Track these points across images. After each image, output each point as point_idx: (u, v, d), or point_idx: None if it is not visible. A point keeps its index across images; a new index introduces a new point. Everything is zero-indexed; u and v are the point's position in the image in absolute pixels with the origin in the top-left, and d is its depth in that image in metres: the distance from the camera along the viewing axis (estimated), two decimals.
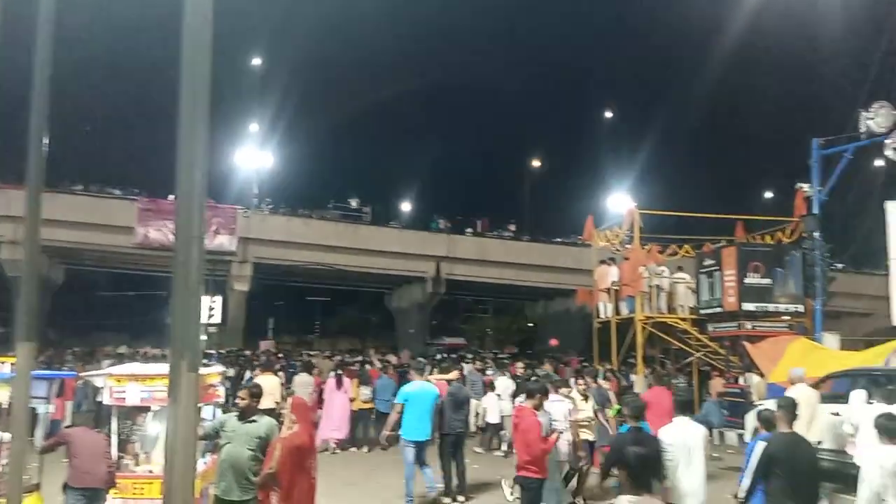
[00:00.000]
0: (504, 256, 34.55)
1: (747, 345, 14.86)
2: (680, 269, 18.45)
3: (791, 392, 9.57)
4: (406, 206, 42.41)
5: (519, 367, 17.63)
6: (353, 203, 34.82)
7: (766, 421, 6.24)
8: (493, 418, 13.87)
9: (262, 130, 36.20)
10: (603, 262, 19.60)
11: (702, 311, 17.05)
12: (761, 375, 14.26)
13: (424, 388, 9.46)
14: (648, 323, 17.37)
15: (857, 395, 9.60)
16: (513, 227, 37.84)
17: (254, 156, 33.72)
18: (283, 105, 37.70)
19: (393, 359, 20.66)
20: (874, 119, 14.23)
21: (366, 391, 14.22)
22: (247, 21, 33.70)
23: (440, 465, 9.68)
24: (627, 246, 18.70)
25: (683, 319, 17.51)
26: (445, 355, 22.75)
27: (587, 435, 9.53)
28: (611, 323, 18.44)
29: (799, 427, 6.56)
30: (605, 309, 19.00)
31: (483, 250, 34.62)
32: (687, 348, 17.65)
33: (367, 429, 14.12)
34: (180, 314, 2.52)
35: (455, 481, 9.59)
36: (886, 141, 14.32)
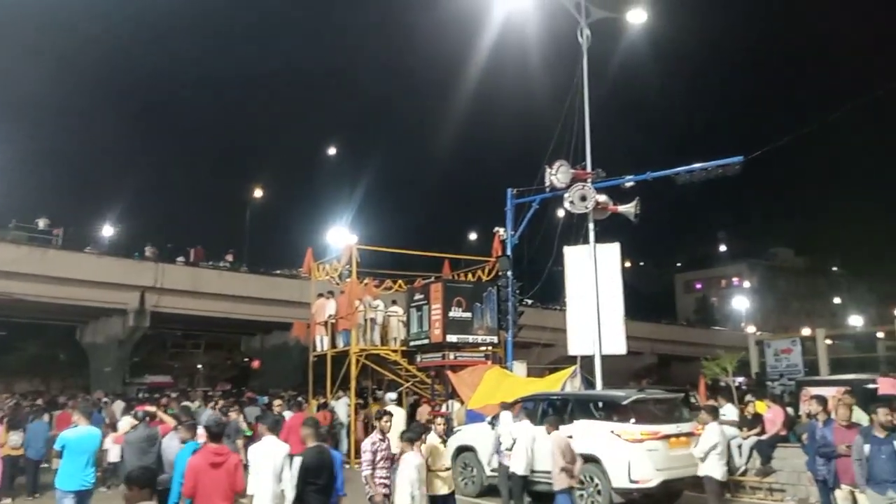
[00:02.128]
0: (219, 288, 32.87)
1: (450, 374, 15.94)
2: (394, 302, 19.24)
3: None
4: (108, 231, 38.29)
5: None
6: (41, 224, 30.33)
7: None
8: None
9: None
10: (321, 295, 19.68)
11: (411, 343, 17.91)
12: (462, 402, 15.39)
13: (89, 433, 8.51)
14: (363, 355, 17.75)
15: (506, 416, 11.20)
16: (230, 257, 36.28)
17: None
18: None
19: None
20: (556, 175, 16.27)
21: (15, 437, 12.51)
22: None
23: None
24: (346, 280, 19.02)
25: (395, 351, 18.22)
26: (147, 395, 20.83)
27: None
28: (327, 356, 18.50)
29: None
30: (322, 342, 19.03)
31: (196, 281, 32.56)
32: (398, 378, 18.36)
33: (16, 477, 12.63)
34: None
35: None
36: (565, 195, 16.39)
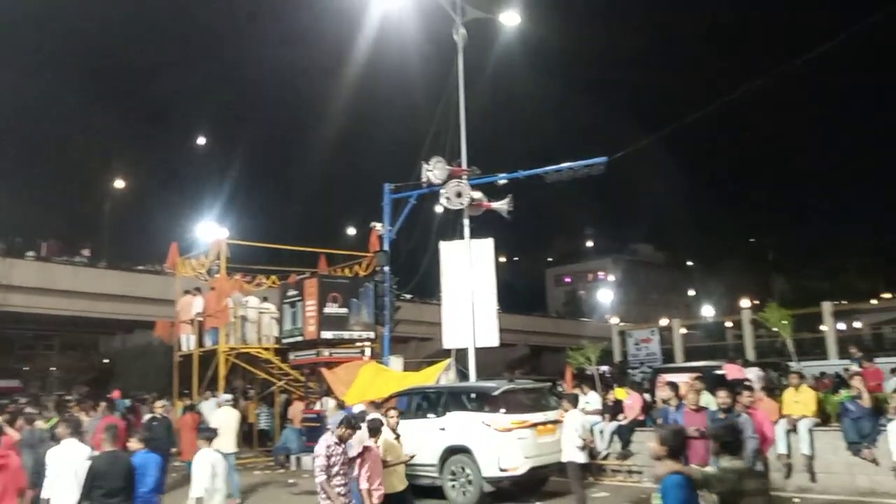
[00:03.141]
0: (74, 284, 30.59)
1: (325, 371, 15.73)
2: (265, 299, 18.71)
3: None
4: None
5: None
6: None
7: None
8: None
9: None
10: (188, 292, 18.81)
11: (284, 341, 17.51)
12: (337, 400, 15.22)
13: None
14: (232, 354, 17.14)
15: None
16: (87, 252, 33.87)
17: None
18: None
19: None
20: (432, 171, 16.44)
21: None
22: None
23: None
24: (215, 276, 18.29)
25: (266, 349, 17.74)
26: None
27: None
28: (193, 356, 17.70)
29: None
30: (188, 341, 18.20)
31: (49, 278, 30.10)
32: (270, 377, 17.89)
33: None
34: None
35: None
36: (441, 191, 16.59)
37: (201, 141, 49.01)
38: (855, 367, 12.98)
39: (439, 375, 14.44)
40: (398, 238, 18.42)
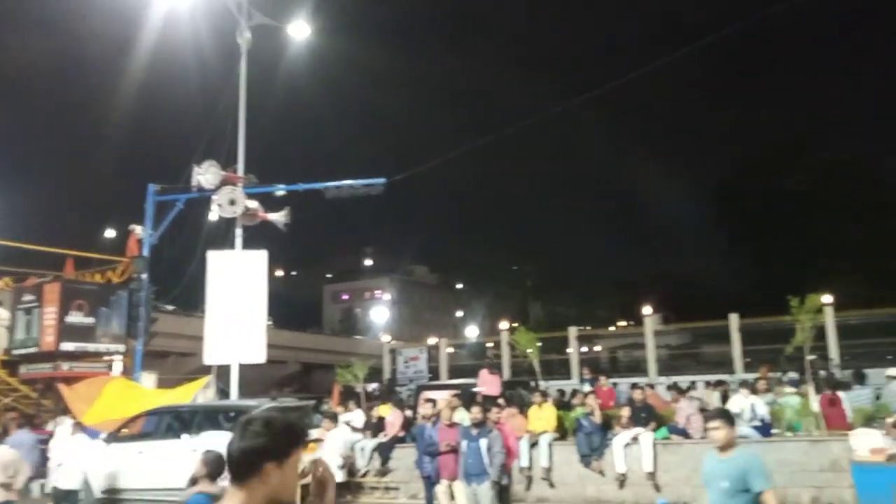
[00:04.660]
0: None
1: (62, 387, 14.07)
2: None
3: None
4: None
5: None
6: None
7: None
8: None
9: None
10: None
11: (15, 352, 15.38)
12: (74, 419, 13.65)
13: None
14: None
15: (62, 430, 11.08)
16: None
17: None
18: None
19: None
20: (204, 176, 15.60)
21: None
22: None
23: None
24: None
25: None
26: None
27: None
28: None
29: None
30: None
31: None
32: None
33: None
34: None
35: None
36: (214, 197, 15.78)
37: None
38: (587, 387, 14.46)
39: (196, 394, 13.63)
40: (161, 244, 17.15)
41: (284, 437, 2.09)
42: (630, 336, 30.07)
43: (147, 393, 14.16)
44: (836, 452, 10.07)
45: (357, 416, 13.56)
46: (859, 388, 12.68)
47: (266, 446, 2.03)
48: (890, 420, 10.03)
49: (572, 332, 24.02)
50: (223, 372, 14.92)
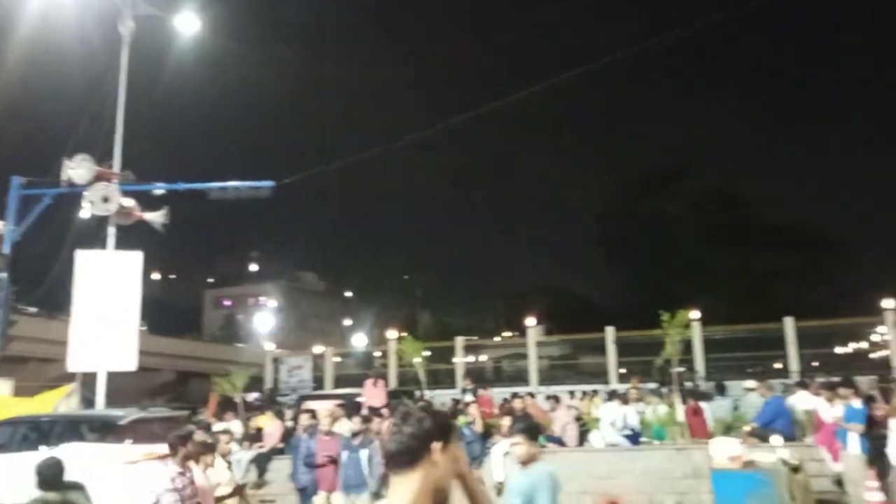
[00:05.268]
0: None
1: None
2: None
3: None
4: None
5: None
6: None
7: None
8: None
9: None
10: None
11: None
12: None
13: None
14: None
15: None
16: None
17: None
18: None
19: None
20: (76, 170, 14.65)
21: None
22: None
23: None
24: None
25: None
26: None
27: None
28: None
29: None
30: None
31: None
32: None
33: None
34: None
35: None
36: (85, 193, 14.84)
37: None
38: (469, 397, 14.67)
39: (58, 402, 12.72)
40: (24, 241, 15.93)
41: (444, 422, 2.28)
42: (514, 346, 30.83)
43: (1, 401, 13.07)
44: (697, 460, 10.72)
45: (235, 427, 13.08)
46: (720, 399, 13.60)
47: (432, 428, 2.19)
48: (746, 429, 10.84)
49: (459, 341, 24.36)
50: (90, 380, 14.02)
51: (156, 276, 66.35)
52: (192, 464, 6.14)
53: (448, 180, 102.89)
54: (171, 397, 38.00)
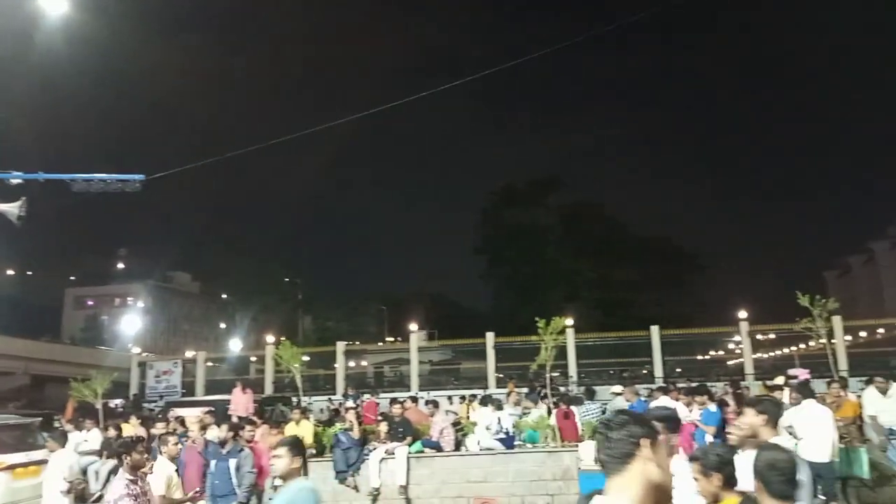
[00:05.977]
0: None
1: None
2: None
3: None
4: None
5: None
6: None
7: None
8: None
9: None
10: None
11: None
12: None
13: None
14: None
15: None
16: None
17: None
18: None
19: None
20: None
21: None
22: None
23: None
24: None
25: None
26: None
27: None
28: None
29: None
30: None
31: None
32: None
33: None
34: None
35: None
36: None
37: None
38: (350, 403, 14.51)
39: None
40: None
41: (647, 422, 2.29)
42: (396, 352, 30.82)
43: None
44: (567, 462, 11.13)
45: (93, 436, 12.19)
46: (590, 403, 14.16)
47: (636, 427, 2.22)
48: None
49: (340, 346, 24.04)
50: None
51: (9, 271, 61.23)
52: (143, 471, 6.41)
53: (334, 184, 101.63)
54: (25, 403, 35.10)
